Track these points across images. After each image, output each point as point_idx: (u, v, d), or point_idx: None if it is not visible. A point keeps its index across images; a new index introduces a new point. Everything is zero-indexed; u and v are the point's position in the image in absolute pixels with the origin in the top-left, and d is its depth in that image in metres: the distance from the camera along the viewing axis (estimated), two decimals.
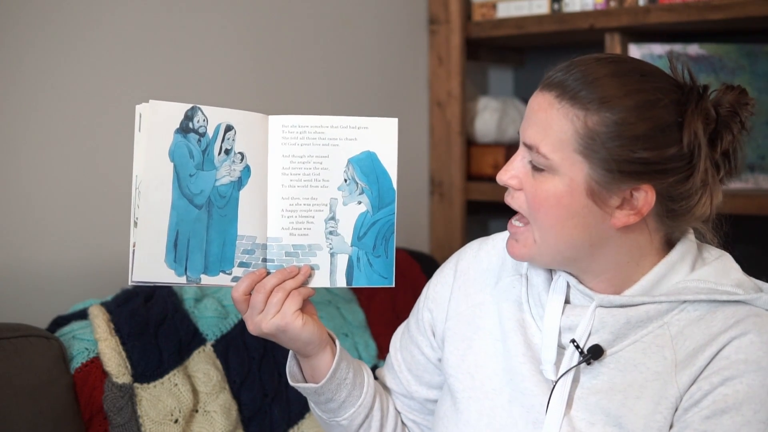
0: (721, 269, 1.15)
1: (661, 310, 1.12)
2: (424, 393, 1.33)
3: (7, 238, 1.63)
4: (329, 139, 1.24)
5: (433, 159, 2.39)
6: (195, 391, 1.53)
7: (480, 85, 2.56)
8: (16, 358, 1.37)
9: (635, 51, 2.01)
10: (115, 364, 1.46)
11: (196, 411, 1.52)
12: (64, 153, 1.69)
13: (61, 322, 1.53)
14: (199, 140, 1.19)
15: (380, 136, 1.25)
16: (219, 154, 1.20)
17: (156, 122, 1.17)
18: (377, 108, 2.23)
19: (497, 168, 2.33)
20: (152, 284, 1.19)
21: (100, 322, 1.49)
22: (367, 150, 1.25)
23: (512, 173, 1.13)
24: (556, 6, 2.15)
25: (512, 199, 1.14)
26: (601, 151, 1.07)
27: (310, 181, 1.24)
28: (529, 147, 1.11)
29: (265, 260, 1.23)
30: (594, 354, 1.12)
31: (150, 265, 1.16)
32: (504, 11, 2.25)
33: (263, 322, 1.19)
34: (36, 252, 1.67)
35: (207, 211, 1.20)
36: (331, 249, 1.24)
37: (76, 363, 1.45)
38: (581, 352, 1.13)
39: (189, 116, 1.18)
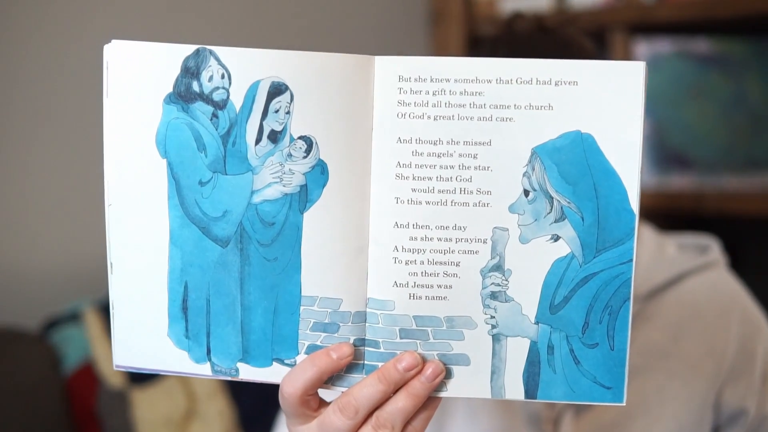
0: (657, 251, 1.11)
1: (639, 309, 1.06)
2: None
3: None
4: (493, 106, 0.67)
5: None
6: (191, 394, 1.51)
7: None
8: (6, 360, 1.36)
9: (641, 47, 2.00)
10: (109, 366, 1.44)
11: (193, 414, 1.50)
12: (58, 151, 1.68)
13: (53, 323, 1.52)
14: (215, 115, 0.67)
15: (606, 100, 0.65)
16: (259, 141, 0.68)
17: (129, 82, 0.66)
18: None
19: None
20: (152, 372, 0.71)
21: (93, 324, 1.48)
22: (576, 129, 0.66)
23: None
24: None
25: None
26: None
27: (454, 192, 0.68)
28: None
29: (363, 342, 0.70)
30: None
31: (140, 341, 0.70)
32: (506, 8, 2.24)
33: None
34: (28, 252, 1.65)
35: (238, 250, 0.68)
36: (493, 327, 0.69)
37: (69, 365, 1.44)
38: None
39: (192, 69, 0.66)
